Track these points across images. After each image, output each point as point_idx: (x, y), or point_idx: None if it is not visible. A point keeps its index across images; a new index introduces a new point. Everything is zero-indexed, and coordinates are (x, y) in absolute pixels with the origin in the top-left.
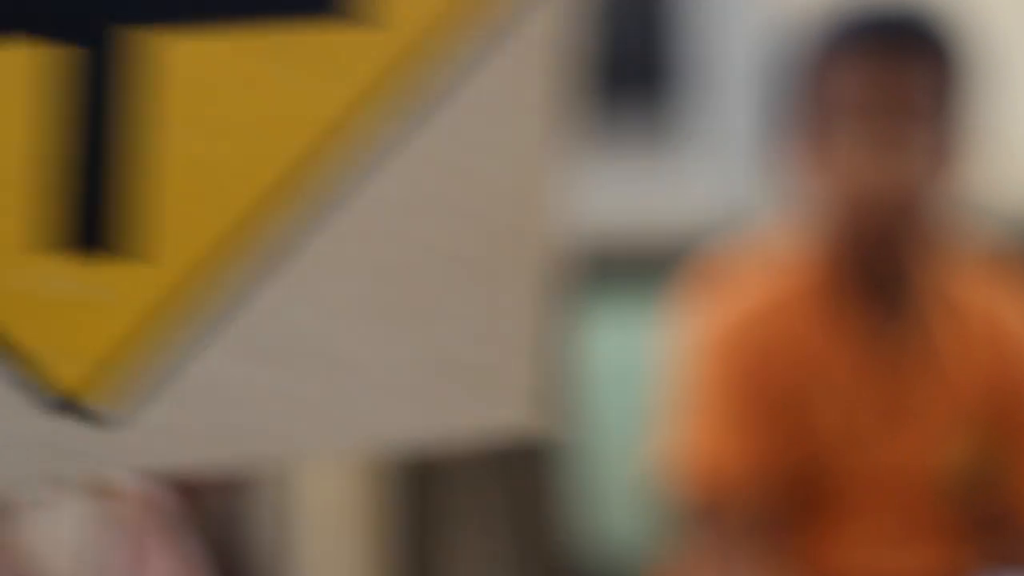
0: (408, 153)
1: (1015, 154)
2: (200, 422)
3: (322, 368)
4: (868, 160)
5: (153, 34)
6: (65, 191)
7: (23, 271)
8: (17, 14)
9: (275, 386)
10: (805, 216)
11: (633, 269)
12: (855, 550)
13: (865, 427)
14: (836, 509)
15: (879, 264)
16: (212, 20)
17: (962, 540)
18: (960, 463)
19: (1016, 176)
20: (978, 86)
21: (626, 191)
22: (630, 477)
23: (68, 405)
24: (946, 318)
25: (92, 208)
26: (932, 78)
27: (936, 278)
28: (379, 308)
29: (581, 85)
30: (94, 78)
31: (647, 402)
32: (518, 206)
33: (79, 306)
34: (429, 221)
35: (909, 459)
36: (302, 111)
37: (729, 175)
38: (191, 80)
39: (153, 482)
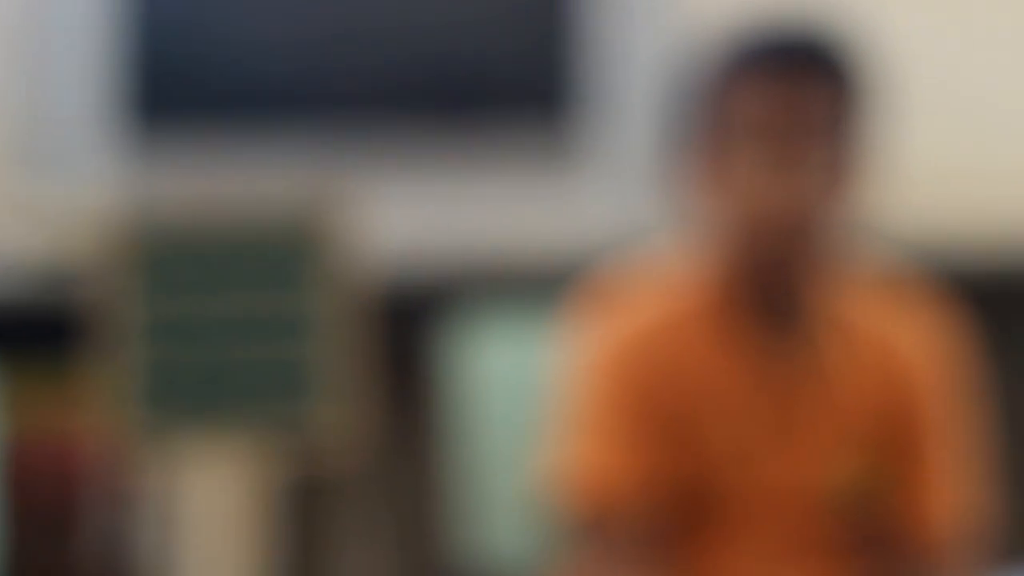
0: None
1: (912, 177)
2: None
3: None
4: (766, 180)
5: None
6: None
7: None
8: None
9: None
10: (700, 236)
11: (529, 287)
12: (743, 566)
13: (754, 446)
14: (724, 525)
15: (773, 284)
16: None
17: (848, 558)
18: (848, 483)
19: (912, 199)
20: (877, 108)
21: (524, 209)
22: (519, 493)
23: None
24: (838, 339)
25: None
26: (830, 100)
27: (829, 299)
28: None
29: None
30: None
31: (538, 419)
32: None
33: None
34: None
35: (798, 478)
36: None
37: (627, 194)
38: None
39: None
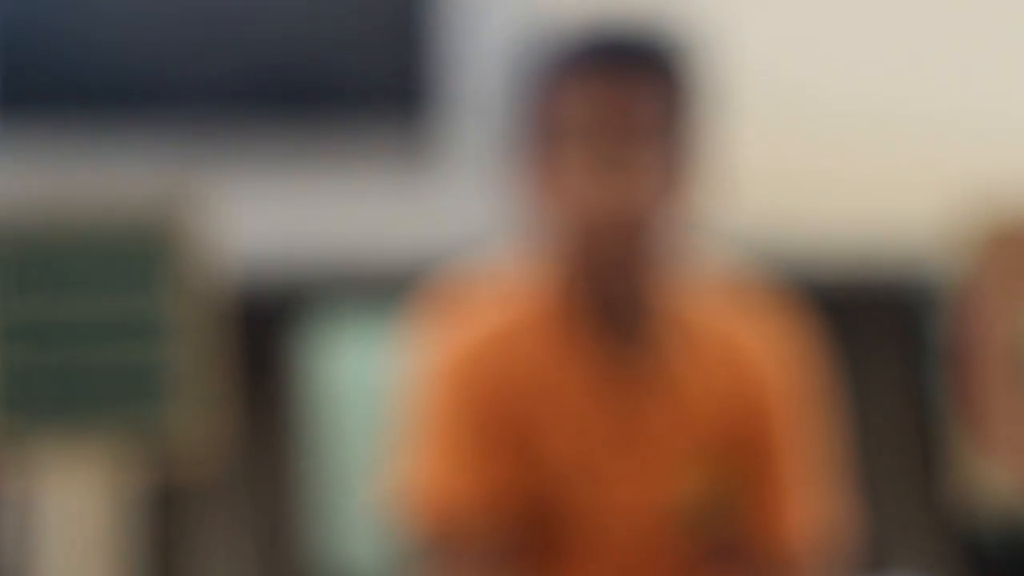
0: None
1: (749, 178)
2: None
3: None
4: (595, 182)
5: None
6: None
7: None
8: None
9: None
10: (539, 241)
11: (384, 290)
12: None
13: (599, 461)
14: (572, 542)
15: (611, 289)
16: None
17: (698, 571)
18: (696, 493)
19: (749, 200)
20: (710, 109)
21: (379, 210)
22: (371, 505)
23: None
24: (683, 344)
25: None
26: (660, 101)
27: (671, 303)
28: None
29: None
30: None
31: (387, 427)
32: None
33: None
34: None
35: (644, 493)
36: None
37: (480, 196)
38: None
39: None
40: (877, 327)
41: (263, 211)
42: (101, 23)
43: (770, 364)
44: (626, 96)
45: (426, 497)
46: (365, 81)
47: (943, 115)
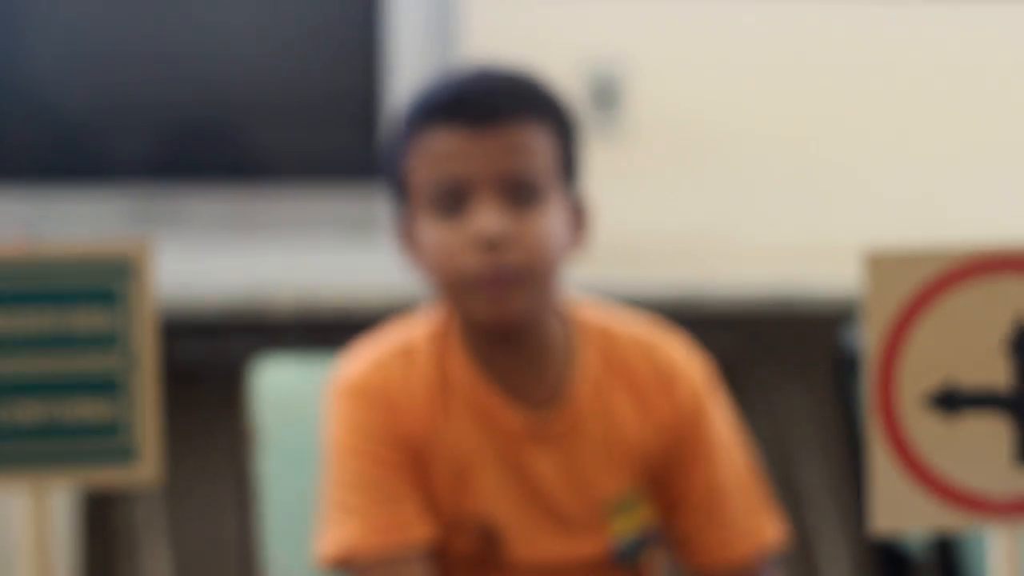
0: None
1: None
2: None
3: None
4: (449, 234)
5: None
6: None
7: None
8: None
9: None
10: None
11: (328, 342)
12: None
13: (508, 522)
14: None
15: (499, 340)
16: None
17: None
18: (625, 533)
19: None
20: (582, 148)
21: (326, 267)
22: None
23: None
24: (590, 379)
25: None
26: (543, 144)
27: (564, 335)
28: None
29: None
30: None
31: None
32: None
33: None
34: None
35: (567, 545)
36: None
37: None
38: None
39: None
40: (800, 342)
41: (216, 266)
42: (40, 91)
43: (696, 374)
44: (472, 144)
45: (333, 554)
46: (318, 151)
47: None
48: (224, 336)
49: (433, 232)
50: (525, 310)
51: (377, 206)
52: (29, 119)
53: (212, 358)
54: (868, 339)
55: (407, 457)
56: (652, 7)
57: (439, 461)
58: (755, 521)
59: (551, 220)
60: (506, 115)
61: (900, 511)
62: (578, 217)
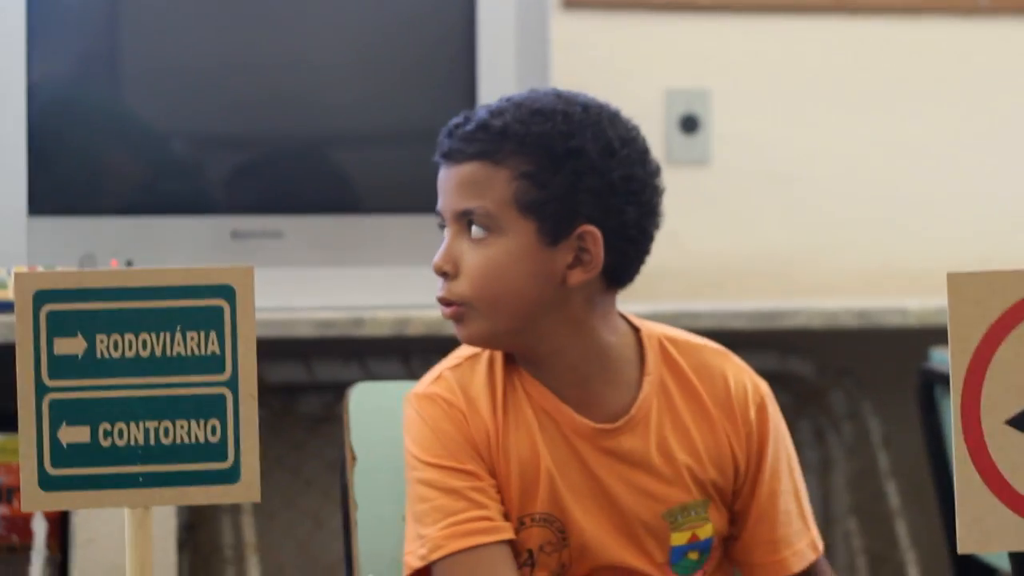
0: None
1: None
2: None
3: None
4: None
5: None
6: None
7: None
8: None
9: None
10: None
11: (425, 359)
12: None
13: (585, 527)
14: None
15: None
16: None
17: None
18: (691, 538)
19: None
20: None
21: (408, 298)
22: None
23: None
24: (650, 397)
25: None
26: (498, 181)
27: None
28: None
29: None
30: None
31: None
32: None
33: None
34: None
35: (635, 553)
36: None
37: None
38: None
39: None
40: (884, 366)
41: (313, 292)
42: (139, 123)
43: (759, 391)
44: (455, 177)
45: (420, 561)
46: (412, 181)
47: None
48: (319, 360)
49: None
50: (484, 335)
51: None
52: (129, 151)
53: (308, 380)
54: (953, 361)
55: (480, 462)
56: (738, 37)
57: (509, 464)
58: (812, 532)
59: (499, 253)
60: (463, 153)
61: (986, 531)
62: (580, 250)
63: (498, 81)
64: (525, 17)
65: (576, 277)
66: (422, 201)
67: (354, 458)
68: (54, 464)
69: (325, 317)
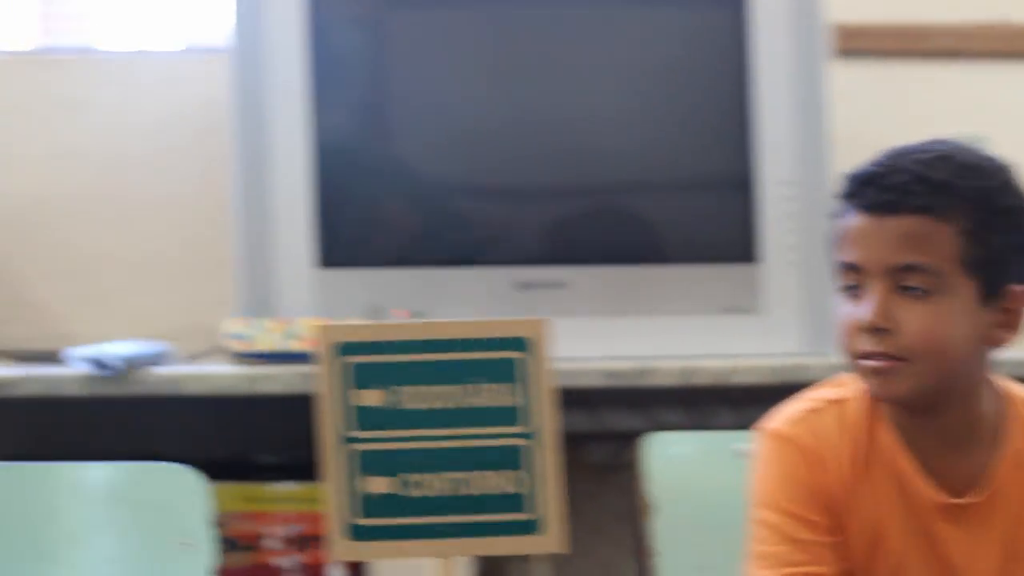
0: None
1: None
2: None
3: None
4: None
5: None
6: None
7: None
8: None
9: None
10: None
11: (716, 407)
12: None
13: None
14: None
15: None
16: None
17: None
18: None
19: None
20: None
21: (706, 346)
22: None
23: None
24: (1007, 466)
25: None
26: (942, 236)
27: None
28: None
29: None
30: None
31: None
32: None
33: None
34: None
35: None
36: None
37: (798, 338)
38: None
39: None
40: None
41: (600, 341)
42: (426, 177)
43: None
44: (892, 230)
45: None
46: (699, 233)
47: None
48: (606, 408)
49: (840, 310)
50: (911, 393)
51: (759, 288)
52: (412, 204)
53: (593, 429)
54: None
55: (827, 516)
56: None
57: (855, 523)
58: None
59: (944, 311)
60: (902, 205)
61: None
62: (1007, 311)
63: (774, 127)
64: (800, 63)
65: (1004, 338)
66: (704, 251)
67: (649, 506)
68: (360, 514)
69: (613, 367)
